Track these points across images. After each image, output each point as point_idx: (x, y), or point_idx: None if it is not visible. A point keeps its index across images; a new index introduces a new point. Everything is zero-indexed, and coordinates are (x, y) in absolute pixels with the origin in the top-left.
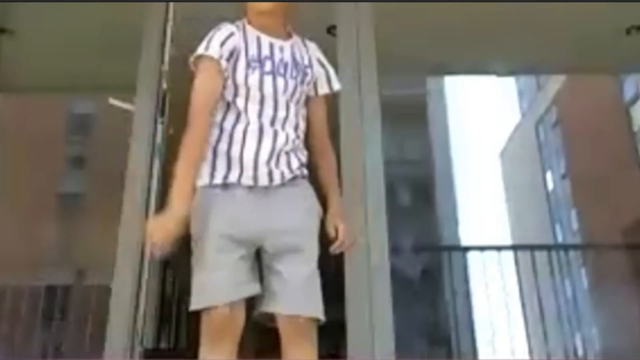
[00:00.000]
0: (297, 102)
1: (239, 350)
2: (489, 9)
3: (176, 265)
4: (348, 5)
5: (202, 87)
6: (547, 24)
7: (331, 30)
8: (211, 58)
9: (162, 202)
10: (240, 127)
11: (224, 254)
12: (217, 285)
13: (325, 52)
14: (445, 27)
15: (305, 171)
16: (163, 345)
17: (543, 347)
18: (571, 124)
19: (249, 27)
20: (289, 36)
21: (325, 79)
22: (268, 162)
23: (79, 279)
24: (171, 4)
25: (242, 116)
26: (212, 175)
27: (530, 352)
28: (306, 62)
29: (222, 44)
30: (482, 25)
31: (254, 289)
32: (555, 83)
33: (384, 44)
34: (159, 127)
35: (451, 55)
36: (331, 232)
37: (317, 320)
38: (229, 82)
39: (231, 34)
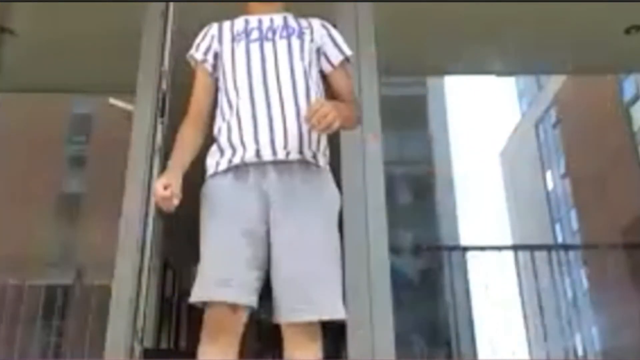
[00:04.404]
0: (299, 61)
1: (239, 349)
2: (488, 9)
3: (176, 265)
4: (348, 5)
5: (192, 97)
6: (547, 24)
7: None
8: (195, 62)
9: None
10: (234, 112)
11: (228, 248)
12: (213, 281)
13: None
14: (445, 27)
15: (321, 161)
16: (163, 345)
17: (543, 347)
18: (571, 124)
19: (240, 16)
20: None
21: (335, 48)
22: (270, 134)
23: (79, 279)
24: (171, 4)
25: (235, 100)
26: (218, 163)
27: (530, 352)
28: (304, 25)
29: (198, 45)
30: (482, 25)
31: (250, 301)
32: (555, 83)
33: (384, 44)
34: (159, 127)
35: (451, 55)
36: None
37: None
38: (220, 69)
39: (209, 28)
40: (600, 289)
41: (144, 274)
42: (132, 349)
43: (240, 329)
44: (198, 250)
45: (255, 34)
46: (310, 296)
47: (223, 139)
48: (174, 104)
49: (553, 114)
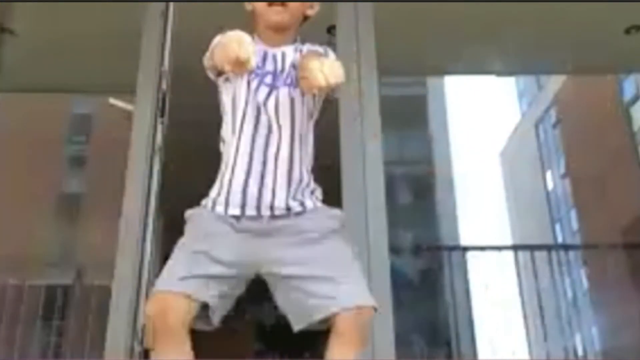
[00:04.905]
0: (299, 121)
1: (239, 350)
2: (488, 9)
3: None
4: (348, 5)
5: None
6: (547, 24)
7: (331, 30)
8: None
9: (162, 202)
10: (232, 152)
11: (187, 260)
12: (167, 275)
13: None
14: (445, 27)
15: (308, 204)
16: None
17: (543, 347)
18: (571, 124)
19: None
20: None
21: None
22: (259, 189)
23: (79, 279)
24: (171, 4)
25: (234, 146)
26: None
27: (530, 352)
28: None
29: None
30: (482, 25)
31: (203, 295)
32: (555, 83)
33: (384, 44)
34: (159, 127)
35: (451, 55)
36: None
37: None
38: (228, 99)
39: None
40: (600, 289)
41: (144, 274)
42: (132, 349)
43: (184, 318)
44: None
45: (268, 79)
46: (340, 288)
47: (219, 177)
48: (174, 104)
49: (553, 114)
